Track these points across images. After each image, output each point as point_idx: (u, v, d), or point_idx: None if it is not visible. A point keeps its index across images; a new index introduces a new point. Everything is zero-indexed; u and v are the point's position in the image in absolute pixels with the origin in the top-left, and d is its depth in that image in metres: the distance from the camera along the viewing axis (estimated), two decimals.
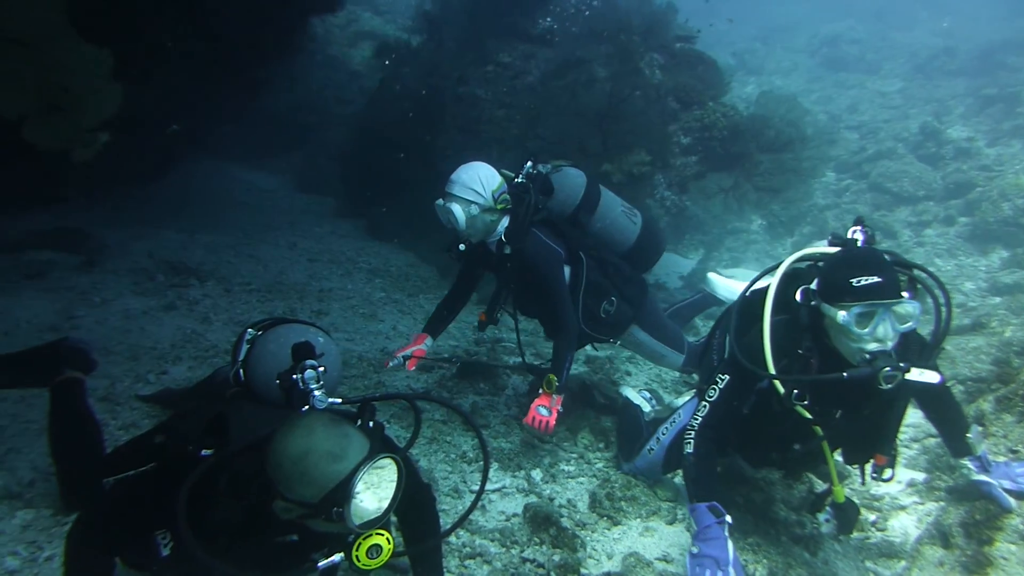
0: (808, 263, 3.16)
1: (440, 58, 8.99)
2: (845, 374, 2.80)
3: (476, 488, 3.48)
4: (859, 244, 3.03)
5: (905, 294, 2.80)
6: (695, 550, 2.90)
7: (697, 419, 3.25)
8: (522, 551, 3.31)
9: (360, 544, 2.10)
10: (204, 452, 2.25)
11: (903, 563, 3.61)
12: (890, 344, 2.78)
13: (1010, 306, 6.25)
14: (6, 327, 4.49)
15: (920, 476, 4.33)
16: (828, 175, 11.88)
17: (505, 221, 4.05)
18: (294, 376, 2.38)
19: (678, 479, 3.92)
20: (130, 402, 4.01)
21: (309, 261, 7.23)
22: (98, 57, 2.97)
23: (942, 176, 10.94)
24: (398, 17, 14.88)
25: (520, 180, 4.12)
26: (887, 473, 3.12)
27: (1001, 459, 3.66)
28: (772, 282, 3.10)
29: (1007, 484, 3.35)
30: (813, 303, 2.92)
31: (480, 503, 3.61)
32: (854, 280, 2.77)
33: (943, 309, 2.91)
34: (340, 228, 8.80)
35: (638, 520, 3.68)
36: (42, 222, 6.26)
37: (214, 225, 7.71)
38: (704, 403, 3.26)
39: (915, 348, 3.00)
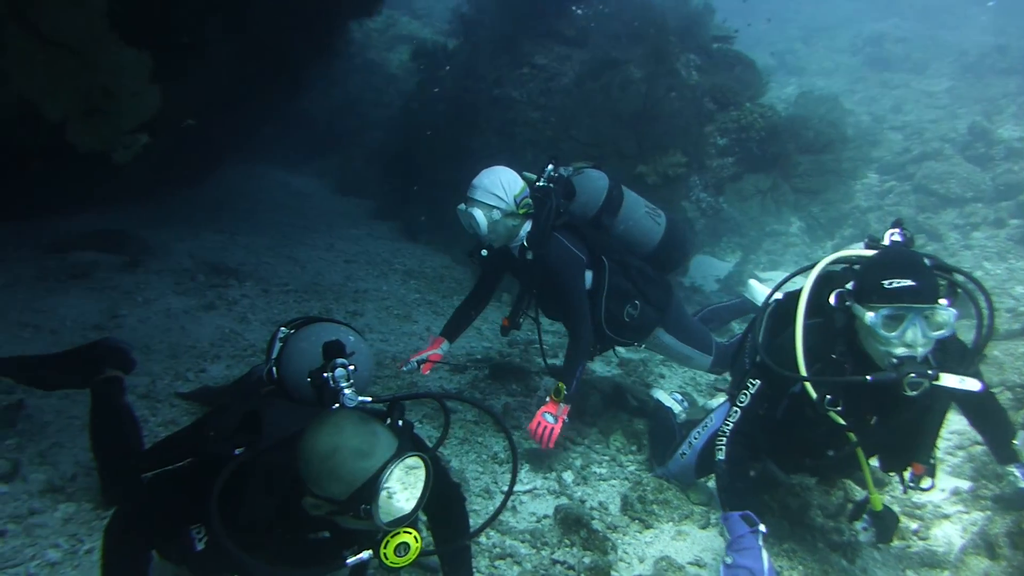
0: (843, 265, 3.10)
1: (476, 60, 9.02)
2: (869, 377, 2.74)
3: (507, 489, 3.49)
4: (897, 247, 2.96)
5: (944, 300, 2.72)
6: (729, 560, 2.86)
7: (729, 425, 3.20)
8: (552, 553, 3.29)
9: (388, 542, 2.11)
10: (237, 449, 2.29)
11: (946, 573, 3.52)
12: (920, 350, 2.72)
13: None
14: (53, 325, 4.62)
15: (965, 484, 4.22)
16: (871, 177, 11.65)
17: (527, 226, 4.02)
18: (325, 374, 2.42)
19: (711, 483, 3.88)
20: (170, 399, 4.09)
21: (345, 263, 7.31)
22: (138, 60, 3.05)
23: (992, 177, 10.65)
24: (435, 21, 14.97)
25: (542, 184, 4.08)
26: (926, 482, 3.03)
27: None
28: (806, 284, 3.05)
29: None
30: (847, 304, 2.87)
31: (511, 504, 3.65)
32: (886, 281, 2.71)
33: (985, 315, 2.83)
34: (376, 230, 8.88)
35: (670, 524, 3.65)
36: (88, 224, 6.43)
37: (254, 227, 7.84)
38: (736, 408, 3.22)
39: (955, 354, 2.92)
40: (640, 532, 3.59)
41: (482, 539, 3.30)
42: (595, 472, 4.08)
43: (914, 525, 3.91)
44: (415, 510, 2.11)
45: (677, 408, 4.39)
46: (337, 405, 2.35)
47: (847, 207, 9.79)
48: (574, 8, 8.57)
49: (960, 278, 2.92)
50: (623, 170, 6.89)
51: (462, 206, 3.95)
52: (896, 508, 3.95)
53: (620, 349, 4.71)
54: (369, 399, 2.42)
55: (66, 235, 6.06)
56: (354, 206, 9.98)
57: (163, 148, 6.52)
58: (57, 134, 3.24)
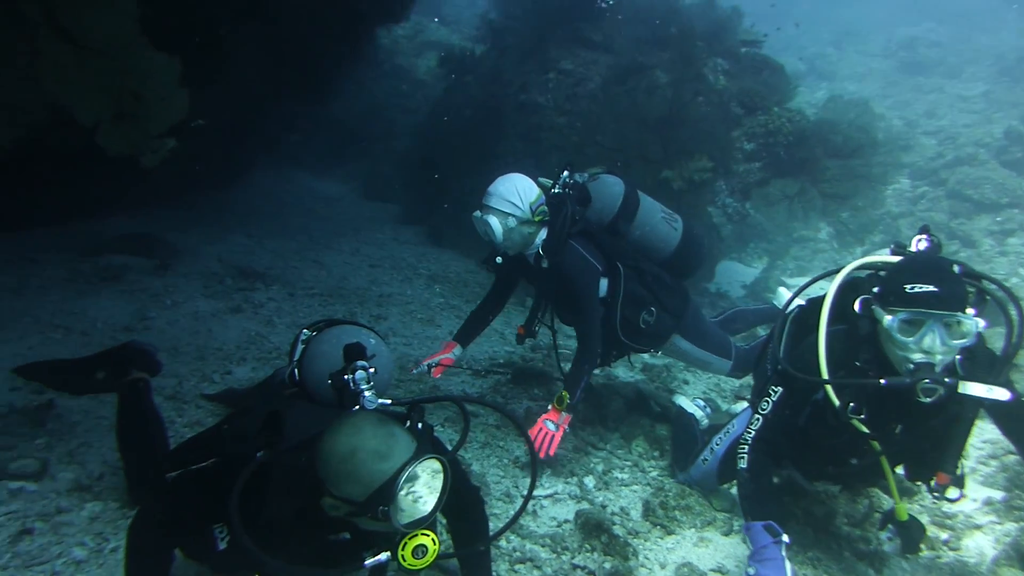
0: (869, 272, 3.05)
1: (502, 66, 9.06)
2: (883, 381, 2.71)
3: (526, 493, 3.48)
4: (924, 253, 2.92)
5: (971, 310, 2.67)
6: (752, 571, 2.83)
7: (751, 432, 3.17)
8: (572, 558, 3.28)
9: (406, 544, 2.12)
10: (259, 450, 2.31)
11: None
12: (939, 357, 2.68)
13: None
14: (84, 327, 4.71)
15: (998, 495, 4.14)
16: (903, 182, 11.48)
17: (543, 233, 4.00)
18: (345, 376, 2.43)
19: (734, 490, 3.83)
20: (196, 400, 4.15)
21: (371, 267, 7.37)
22: (168, 64, 3.11)
23: None
24: (464, 27, 15.05)
25: (557, 191, 4.05)
26: (952, 492, 2.97)
27: None
28: (829, 290, 3.01)
29: None
30: (874, 307, 2.83)
31: (532, 508, 3.64)
32: (908, 286, 2.68)
33: (1016, 324, 2.77)
34: (402, 235, 8.94)
35: (692, 530, 3.62)
36: (120, 227, 6.56)
37: (282, 231, 7.93)
38: (757, 416, 3.18)
39: (984, 363, 2.86)
40: (662, 538, 3.57)
41: (502, 543, 3.30)
42: (617, 477, 4.06)
43: (944, 535, 3.83)
44: (433, 512, 2.12)
45: (699, 414, 4.36)
46: (357, 407, 2.37)
47: (877, 213, 9.63)
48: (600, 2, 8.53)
49: (991, 286, 2.86)
50: (648, 175, 6.86)
51: (477, 213, 3.94)
52: (926, 518, 3.89)
53: (646, 356, 4.66)
54: (389, 401, 2.44)
55: (98, 239, 6.18)
56: (380, 211, 10.05)
57: (193, 153, 6.66)
58: (88, 139, 3.32)
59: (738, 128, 7.79)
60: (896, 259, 2.94)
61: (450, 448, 2.53)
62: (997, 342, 2.94)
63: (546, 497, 3.79)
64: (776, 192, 7.51)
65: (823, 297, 3.03)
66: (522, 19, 9.12)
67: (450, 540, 2.85)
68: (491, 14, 10.40)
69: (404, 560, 2.12)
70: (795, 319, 3.28)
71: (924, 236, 2.97)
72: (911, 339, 2.68)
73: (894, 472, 3.08)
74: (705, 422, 4.34)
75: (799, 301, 3.74)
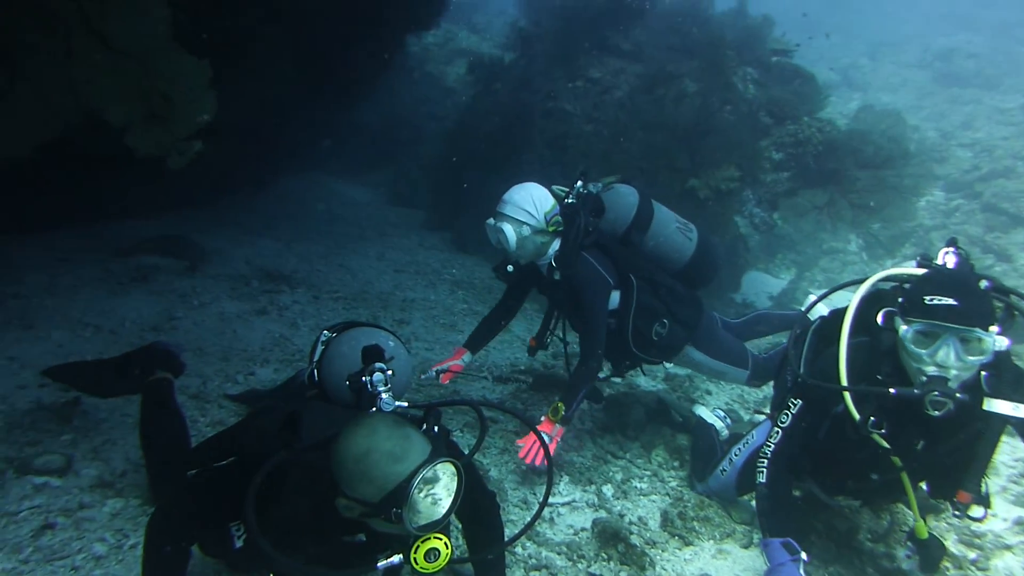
0: (894, 284, 3.00)
1: (531, 74, 9.08)
2: (893, 390, 2.66)
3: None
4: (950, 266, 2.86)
5: (994, 327, 2.61)
6: None
7: (770, 446, 3.13)
8: (588, 566, 3.26)
9: (419, 547, 2.12)
10: (276, 450, 2.33)
11: None
12: (954, 372, 2.63)
13: None
14: (112, 325, 4.79)
15: None
16: (936, 194, 11.28)
17: (556, 244, 3.97)
18: (363, 378, 2.45)
19: (755, 502, 3.79)
20: (219, 400, 4.20)
21: (395, 272, 7.41)
22: (197, 67, 3.16)
23: None
24: (494, 35, 15.11)
25: (571, 201, 4.01)
26: (976, 511, 2.90)
27: None
28: (852, 301, 2.96)
29: None
30: (895, 318, 2.78)
31: (549, 515, 3.62)
32: (927, 297, 2.64)
33: None
34: (428, 240, 8.98)
35: (711, 542, 3.58)
36: (153, 229, 6.67)
37: (309, 235, 8.01)
38: (777, 429, 3.14)
39: (1010, 380, 2.79)
40: (679, 549, 3.53)
41: (518, 549, 3.28)
42: (635, 486, 4.03)
43: (972, 555, 3.75)
44: (446, 516, 2.12)
45: (719, 425, 4.31)
46: (374, 409, 2.38)
47: (909, 225, 9.47)
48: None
49: (1021, 302, 2.80)
50: (675, 183, 6.83)
51: (491, 220, 3.92)
52: (953, 536, 3.81)
53: (667, 365, 4.61)
54: (406, 404, 2.44)
55: (131, 240, 6.29)
56: (407, 216, 10.12)
57: (225, 157, 6.76)
58: (120, 142, 3.38)
59: (767, 137, 7.72)
60: (922, 271, 2.89)
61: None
62: None
63: (564, 505, 3.77)
64: (805, 202, 7.42)
65: (846, 308, 2.98)
66: (551, 27, 9.14)
67: (465, 545, 2.84)
68: (521, 22, 10.43)
69: (416, 563, 2.12)
70: (816, 330, 3.23)
71: (951, 249, 2.91)
72: (925, 351, 2.64)
73: (916, 489, 3.01)
74: (725, 433, 4.29)
75: (823, 309, 3.69)
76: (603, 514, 3.70)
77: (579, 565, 3.27)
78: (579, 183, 4.07)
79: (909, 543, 3.10)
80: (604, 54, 8.54)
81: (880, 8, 26.33)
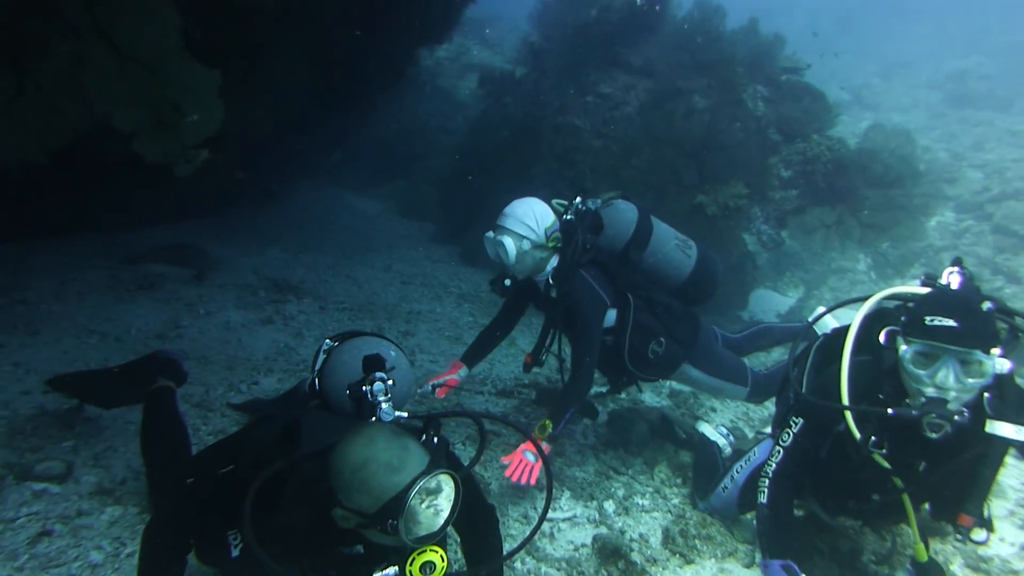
0: (898, 303, 2.98)
1: (541, 88, 9.12)
2: (890, 410, 2.64)
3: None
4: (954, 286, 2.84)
5: (996, 350, 2.59)
6: None
7: (771, 465, 3.10)
8: None
9: (414, 559, 2.10)
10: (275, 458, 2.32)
11: None
12: (953, 394, 2.61)
13: None
14: (118, 333, 4.80)
15: None
16: (947, 215, 11.26)
17: (554, 260, 3.95)
18: (363, 387, 2.44)
19: (755, 522, 3.75)
20: (222, 409, 4.19)
21: (402, 284, 7.41)
22: (207, 76, 3.19)
23: None
24: (506, 50, 15.22)
25: (569, 217, 3.98)
26: (978, 535, 2.85)
27: None
28: (854, 319, 2.94)
29: None
30: (897, 338, 2.76)
31: (549, 531, 3.59)
32: (928, 318, 2.62)
33: None
34: (435, 253, 8.99)
35: (712, 560, 3.53)
36: (163, 237, 6.71)
37: (317, 246, 8.04)
38: (778, 447, 3.11)
39: (1014, 403, 2.75)
40: (680, 567, 3.49)
41: (517, 564, 3.26)
42: (637, 503, 3.99)
43: None
44: (442, 528, 2.10)
45: (722, 442, 4.27)
46: (374, 418, 2.37)
47: (919, 245, 9.44)
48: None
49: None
50: (683, 199, 6.82)
51: (490, 234, 3.89)
52: (960, 560, 3.75)
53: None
54: (406, 414, 2.43)
55: (141, 248, 6.33)
56: (416, 229, 10.14)
57: (236, 167, 6.80)
58: (129, 149, 3.41)
59: (775, 155, 7.72)
60: (925, 290, 2.87)
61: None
62: None
63: (564, 520, 3.74)
64: (813, 220, 7.39)
65: (848, 326, 2.96)
66: (562, 42, 9.19)
67: (463, 558, 2.82)
68: (532, 37, 10.49)
69: None
70: (819, 347, 3.21)
71: (956, 269, 2.89)
72: (924, 372, 2.62)
73: (918, 510, 2.97)
74: (728, 450, 4.26)
75: (831, 323, 3.65)
76: (604, 530, 3.67)
77: None
78: (578, 200, 4.05)
79: (909, 566, 3.06)
80: (615, 69, 8.56)
81: (892, 29, 26.40)
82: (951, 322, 2.57)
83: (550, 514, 3.74)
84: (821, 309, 3.71)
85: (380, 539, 2.11)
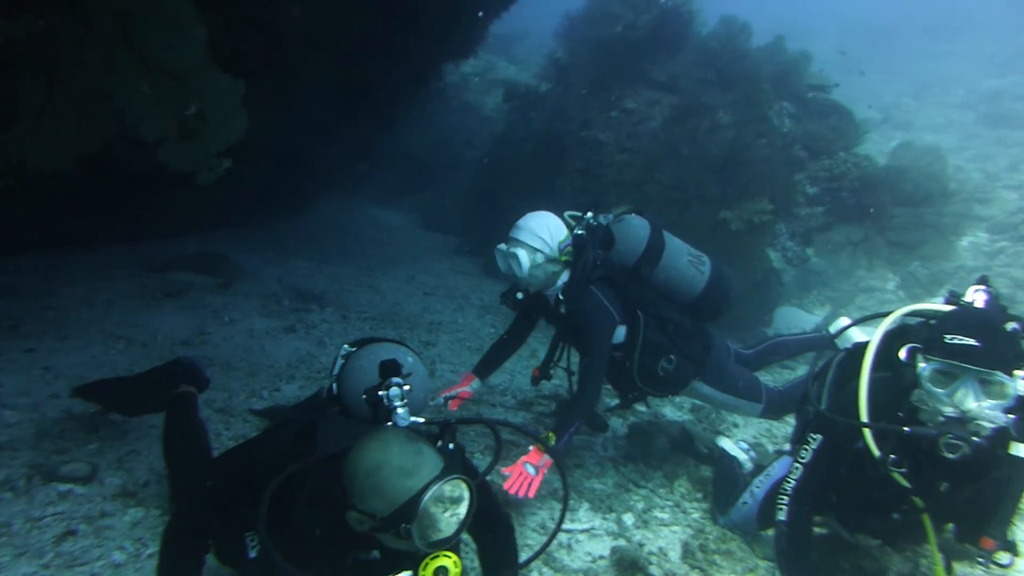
0: (920, 320, 2.93)
1: (566, 103, 9.15)
2: (907, 428, 2.59)
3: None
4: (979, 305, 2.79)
5: (1019, 372, 2.53)
6: None
7: (790, 482, 3.05)
8: None
9: (427, 564, 2.10)
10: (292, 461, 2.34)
11: None
12: (972, 415, 2.54)
13: None
14: (144, 339, 4.88)
15: None
16: (980, 235, 11.07)
17: (565, 275, 3.94)
18: (380, 392, 2.45)
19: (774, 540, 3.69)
20: (243, 415, 4.24)
21: (424, 295, 7.45)
22: (232, 86, 3.25)
23: None
24: (532, 66, 15.29)
25: (579, 232, 3.97)
26: (1003, 558, 2.77)
27: None
28: (874, 336, 2.89)
29: None
30: (918, 356, 2.71)
31: (567, 542, 3.57)
32: (948, 336, 2.57)
33: None
34: (458, 265, 9.03)
35: None
36: (191, 247, 6.84)
37: (341, 257, 8.12)
38: (797, 464, 3.06)
39: None
40: None
41: (533, 574, 3.23)
42: (657, 517, 3.95)
43: None
44: (456, 534, 2.10)
45: (743, 457, 4.22)
46: (389, 423, 2.38)
47: (951, 265, 9.28)
48: None
49: None
50: (706, 215, 6.79)
51: (503, 246, 3.90)
52: None
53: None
54: (422, 420, 2.44)
55: (168, 257, 6.44)
56: (439, 241, 10.20)
57: (265, 180, 6.91)
58: (157, 161, 3.48)
59: (801, 171, 7.65)
60: (949, 308, 2.82)
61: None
62: None
63: (582, 531, 3.72)
64: (840, 238, 7.30)
65: (868, 342, 2.92)
66: (587, 58, 9.22)
67: (478, 565, 2.80)
68: (558, 53, 10.55)
69: None
70: (840, 363, 3.16)
71: (982, 287, 2.84)
72: (943, 391, 2.58)
73: (939, 531, 2.91)
74: (749, 466, 4.20)
75: (859, 333, 3.59)
76: (622, 543, 3.63)
77: None
78: (589, 214, 4.03)
79: None
80: (639, 85, 8.57)
81: (924, 49, 26.12)
82: (972, 341, 2.53)
83: (568, 525, 3.72)
84: (844, 321, 3.66)
85: (394, 544, 2.11)
